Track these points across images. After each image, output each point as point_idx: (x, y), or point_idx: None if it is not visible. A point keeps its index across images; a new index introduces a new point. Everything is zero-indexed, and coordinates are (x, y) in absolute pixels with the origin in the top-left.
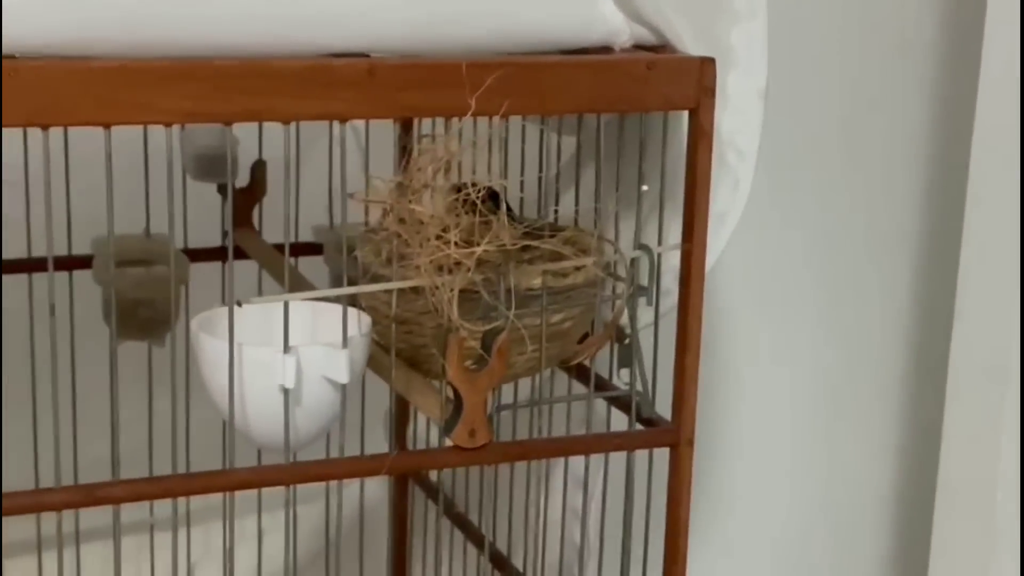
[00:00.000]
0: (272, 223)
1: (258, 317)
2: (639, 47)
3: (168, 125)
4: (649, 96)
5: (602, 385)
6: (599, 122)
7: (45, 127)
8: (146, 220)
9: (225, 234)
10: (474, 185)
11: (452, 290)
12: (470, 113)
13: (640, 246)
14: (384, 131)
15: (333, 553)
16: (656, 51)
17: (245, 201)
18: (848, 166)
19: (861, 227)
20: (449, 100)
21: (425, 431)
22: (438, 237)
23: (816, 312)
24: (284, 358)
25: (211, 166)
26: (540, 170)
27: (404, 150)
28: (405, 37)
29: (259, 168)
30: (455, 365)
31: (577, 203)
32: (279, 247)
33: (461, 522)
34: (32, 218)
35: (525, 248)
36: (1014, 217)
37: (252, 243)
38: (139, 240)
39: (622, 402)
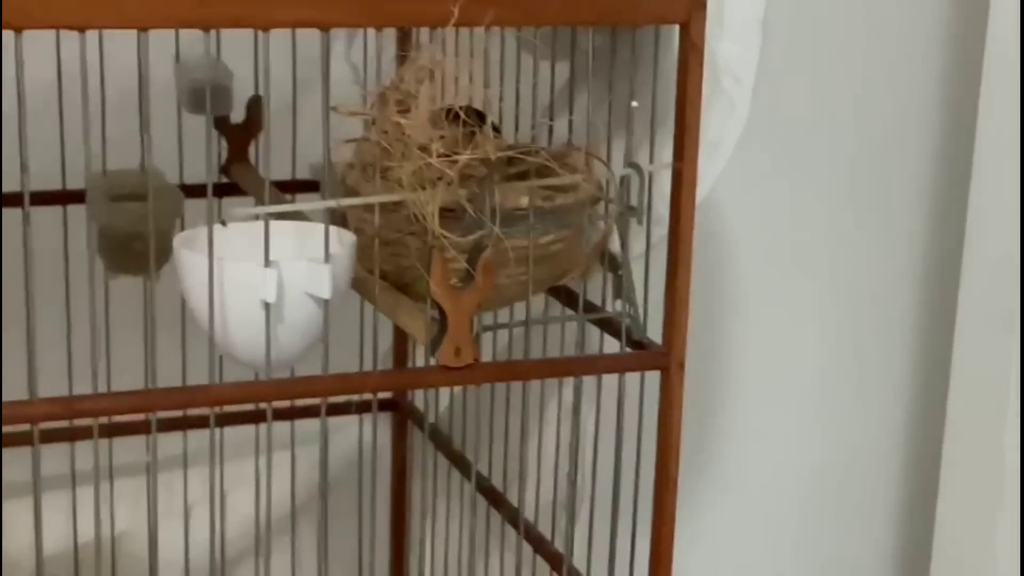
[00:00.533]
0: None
1: (245, 239)
2: None
3: (143, 30)
4: (638, 10)
5: (593, 310)
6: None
7: (19, 30)
8: (141, 154)
9: (221, 169)
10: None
11: (435, 202)
12: (452, 22)
13: (629, 164)
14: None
15: (332, 492)
16: None
17: (241, 136)
18: (861, 112)
19: (874, 171)
20: (432, 9)
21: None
22: (421, 149)
23: (827, 251)
24: (265, 272)
25: (206, 99)
26: (533, 91)
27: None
28: None
29: (255, 103)
30: (439, 281)
31: (571, 128)
32: (276, 184)
33: (459, 461)
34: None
35: (513, 166)
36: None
37: (247, 178)
38: (134, 175)
39: (614, 327)
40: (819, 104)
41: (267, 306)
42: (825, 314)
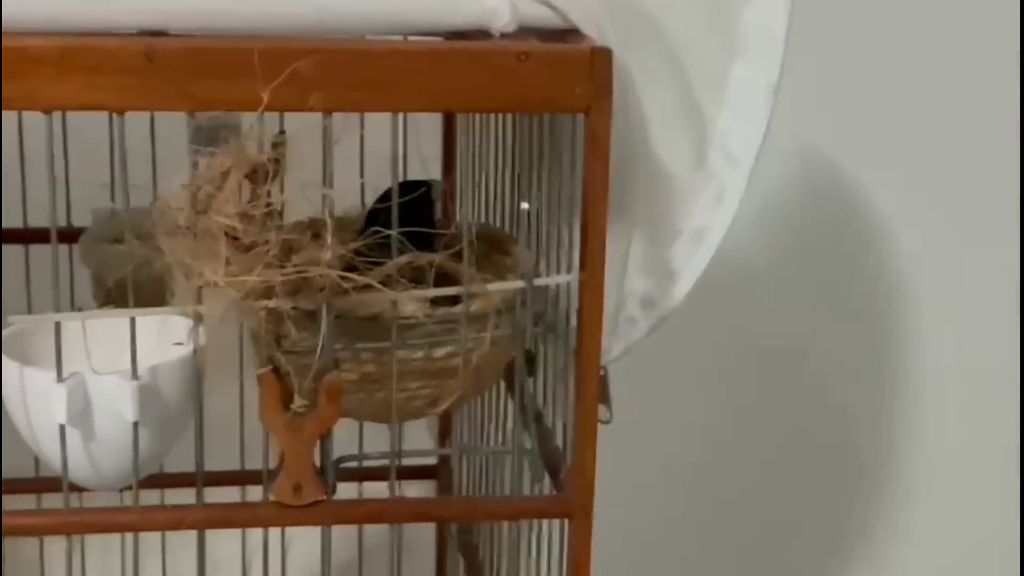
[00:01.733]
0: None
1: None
2: (534, 31)
3: None
4: (523, 94)
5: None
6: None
7: None
8: (153, 191)
9: None
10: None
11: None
12: (262, 108)
13: (522, 273)
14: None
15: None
16: (565, 38)
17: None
18: None
19: None
20: (244, 91)
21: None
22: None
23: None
24: (56, 387)
25: (215, 137)
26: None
27: (448, 146)
28: (211, 14)
29: (279, 142)
30: (270, 408)
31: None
32: None
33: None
34: (30, 190)
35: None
36: None
37: None
38: (140, 214)
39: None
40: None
41: (61, 427)
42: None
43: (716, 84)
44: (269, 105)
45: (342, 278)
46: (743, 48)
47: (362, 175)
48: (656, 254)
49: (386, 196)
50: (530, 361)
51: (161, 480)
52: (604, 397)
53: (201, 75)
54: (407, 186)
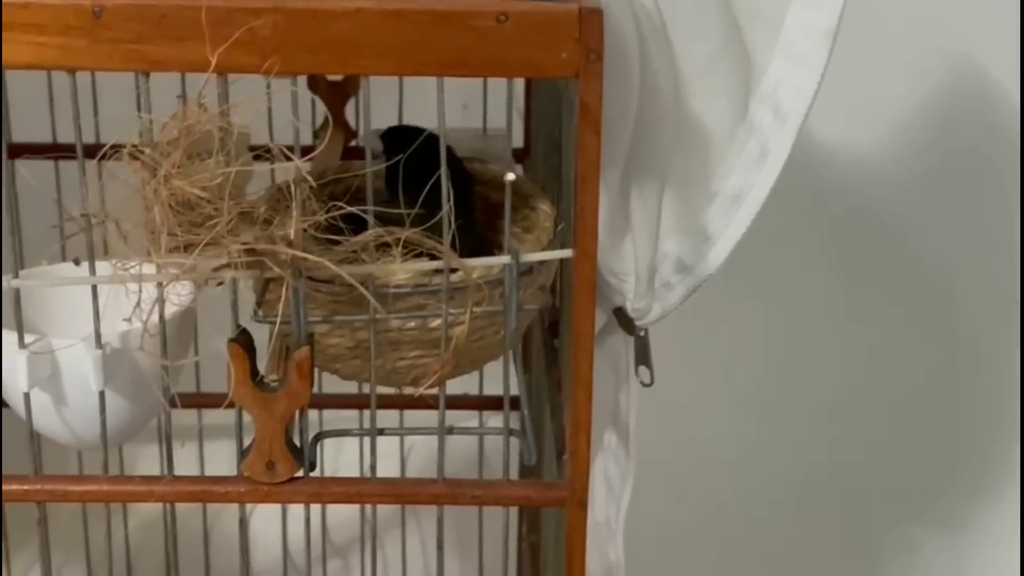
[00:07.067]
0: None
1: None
2: None
3: None
4: (504, 58)
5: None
6: None
7: None
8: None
9: (315, 133)
10: None
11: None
12: (211, 70)
13: (509, 251)
14: None
15: None
16: None
17: (336, 97)
18: None
19: None
20: (195, 53)
21: None
22: (206, 222)
23: None
24: (16, 354)
25: None
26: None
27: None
28: None
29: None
30: (240, 381)
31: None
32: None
33: None
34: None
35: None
36: None
37: (330, 147)
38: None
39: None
40: None
41: (26, 395)
42: None
43: (770, 25)
44: (223, 68)
45: (301, 254)
46: None
47: None
48: (691, 216)
49: (394, 143)
50: (554, 328)
51: None
52: (645, 359)
53: (151, 35)
54: (400, 132)
